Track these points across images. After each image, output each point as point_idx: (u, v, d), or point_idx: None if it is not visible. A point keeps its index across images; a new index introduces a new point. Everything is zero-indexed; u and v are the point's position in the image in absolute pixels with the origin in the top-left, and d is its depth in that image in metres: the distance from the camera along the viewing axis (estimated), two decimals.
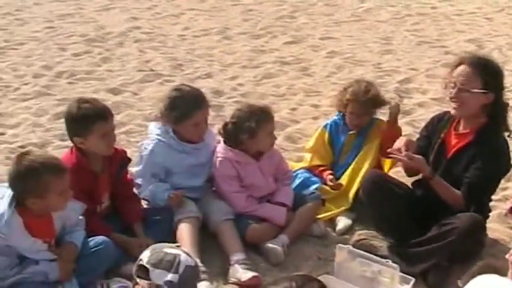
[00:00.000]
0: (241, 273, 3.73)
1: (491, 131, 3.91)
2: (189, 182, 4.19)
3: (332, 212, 4.31)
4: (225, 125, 4.20)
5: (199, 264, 3.63)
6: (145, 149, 4.16)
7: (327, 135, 4.62)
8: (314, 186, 4.39)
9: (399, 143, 3.94)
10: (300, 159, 4.92)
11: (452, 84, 3.88)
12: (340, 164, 4.58)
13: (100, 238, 3.64)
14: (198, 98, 4.15)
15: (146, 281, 2.85)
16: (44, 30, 8.26)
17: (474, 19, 9.43)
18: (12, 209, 3.37)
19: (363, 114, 4.50)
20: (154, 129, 4.22)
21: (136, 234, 3.89)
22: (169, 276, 2.84)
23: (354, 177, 4.44)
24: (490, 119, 3.92)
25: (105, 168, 3.90)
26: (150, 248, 2.98)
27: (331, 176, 4.48)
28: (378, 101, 4.52)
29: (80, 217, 3.69)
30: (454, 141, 3.99)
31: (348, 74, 6.96)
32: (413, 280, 3.65)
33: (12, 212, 3.37)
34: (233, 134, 4.15)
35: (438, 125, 4.10)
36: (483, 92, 3.81)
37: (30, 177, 3.36)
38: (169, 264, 2.86)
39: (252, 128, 4.08)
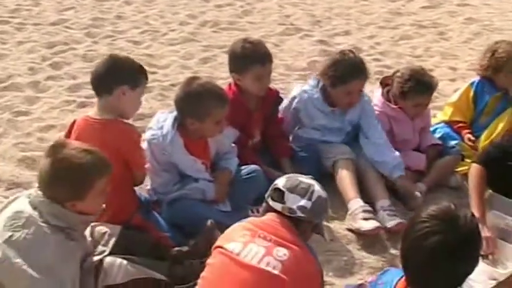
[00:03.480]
0: (387, 220, 3.85)
1: None
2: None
3: (469, 167, 4.39)
4: (387, 77, 4.36)
5: (364, 203, 3.86)
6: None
7: (472, 92, 4.65)
8: (454, 142, 4.49)
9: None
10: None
11: None
12: (479, 124, 4.63)
13: (252, 167, 3.91)
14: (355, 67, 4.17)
15: (280, 204, 2.91)
16: None
17: None
18: (175, 129, 3.69)
19: None
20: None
21: (283, 170, 4.08)
22: (303, 202, 2.89)
23: (489, 137, 4.48)
24: None
25: (259, 106, 4.15)
26: (286, 176, 3.06)
27: (469, 135, 4.56)
28: None
29: (232, 145, 3.96)
30: None
31: (486, 41, 6.85)
32: None
33: (174, 132, 3.68)
34: (389, 88, 4.29)
35: None
36: None
37: (195, 99, 3.65)
38: (304, 190, 2.92)
39: (404, 92, 4.21)
